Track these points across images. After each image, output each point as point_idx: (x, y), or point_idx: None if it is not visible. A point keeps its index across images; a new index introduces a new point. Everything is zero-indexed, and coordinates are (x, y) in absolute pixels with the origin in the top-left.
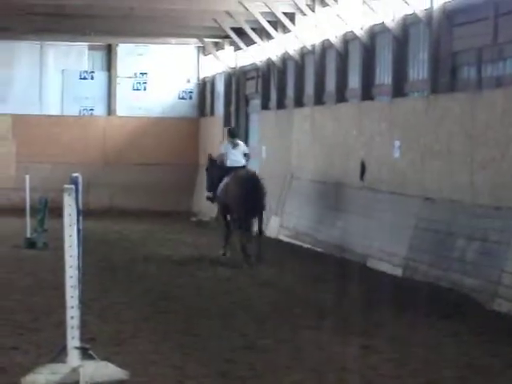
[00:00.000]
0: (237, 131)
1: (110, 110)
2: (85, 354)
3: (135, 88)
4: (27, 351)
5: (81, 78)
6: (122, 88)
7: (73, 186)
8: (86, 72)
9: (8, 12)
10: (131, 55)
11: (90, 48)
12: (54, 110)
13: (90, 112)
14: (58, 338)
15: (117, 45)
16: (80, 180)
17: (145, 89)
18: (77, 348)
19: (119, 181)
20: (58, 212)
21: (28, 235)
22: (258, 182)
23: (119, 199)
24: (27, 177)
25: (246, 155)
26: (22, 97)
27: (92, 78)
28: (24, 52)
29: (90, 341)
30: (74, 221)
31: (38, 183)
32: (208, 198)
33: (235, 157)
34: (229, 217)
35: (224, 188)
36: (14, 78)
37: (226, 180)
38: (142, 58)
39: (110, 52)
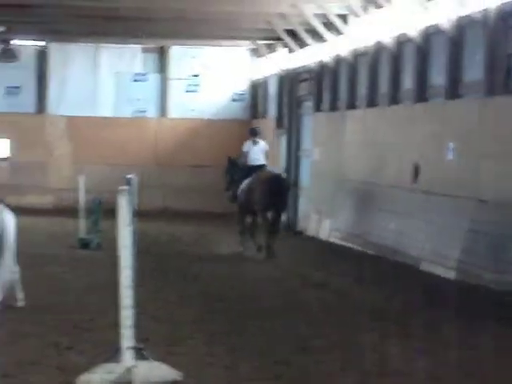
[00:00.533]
0: (258, 130)
1: (163, 111)
2: (139, 354)
3: (188, 90)
4: (82, 351)
5: (134, 80)
6: (175, 90)
7: (127, 188)
8: (139, 74)
9: (64, 15)
10: (184, 57)
11: (144, 50)
12: (107, 111)
13: (142, 114)
14: (113, 338)
15: (170, 47)
16: (135, 181)
17: (197, 91)
18: (131, 348)
19: (172, 182)
20: (111, 213)
21: (82, 236)
22: (283, 182)
23: (172, 201)
24: (82, 178)
25: (266, 153)
26: (76, 99)
27: (145, 80)
28: (78, 54)
29: (143, 341)
30: (129, 222)
31: (91, 184)
32: (230, 198)
33: (255, 155)
34: (248, 216)
35: (246, 188)
36: (69, 80)
37: (248, 180)
38: (195, 60)
39: (162, 54)
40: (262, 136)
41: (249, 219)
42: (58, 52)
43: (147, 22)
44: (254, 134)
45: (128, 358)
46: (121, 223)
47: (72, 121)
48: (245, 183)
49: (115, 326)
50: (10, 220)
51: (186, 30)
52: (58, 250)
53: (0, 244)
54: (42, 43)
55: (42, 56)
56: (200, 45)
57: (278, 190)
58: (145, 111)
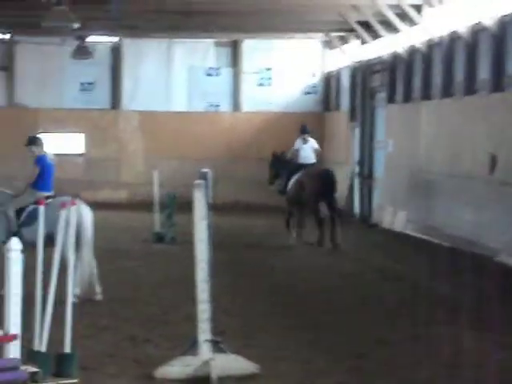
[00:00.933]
0: (308, 128)
1: (236, 105)
2: (215, 347)
3: (260, 83)
4: (158, 344)
5: (207, 75)
6: (248, 84)
7: (203, 181)
8: (212, 68)
9: (138, 11)
10: (256, 51)
11: (216, 44)
12: (180, 106)
13: (215, 108)
14: (188, 331)
15: (242, 41)
16: (210, 175)
17: (270, 84)
18: (208, 341)
19: (244, 176)
20: (185, 207)
21: (157, 230)
22: (332, 176)
23: (244, 194)
24: (155, 172)
25: (315, 151)
26: (149, 94)
27: (218, 75)
28: (152, 49)
29: (219, 334)
30: (204, 215)
31: (165, 178)
32: (280, 192)
33: (306, 153)
34: (296, 209)
35: (297, 183)
36: (142, 75)
37: (298, 176)
38: (267, 54)
39: (235, 48)
40: (314, 134)
41: (297, 212)
42: (132, 48)
43: (220, 16)
44: (304, 131)
45: (205, 350)
46: (196, 217)
47: (145, 116)
48: (294, 178)
49: (189, 319)
50: (88, 215)
51: (258, 23)
52: (132, 244)
53: (78, 239)
54: (116, 39)
55: (115, 52)
56: (272, 38)
57: (328, 184)
58: (218, 105)
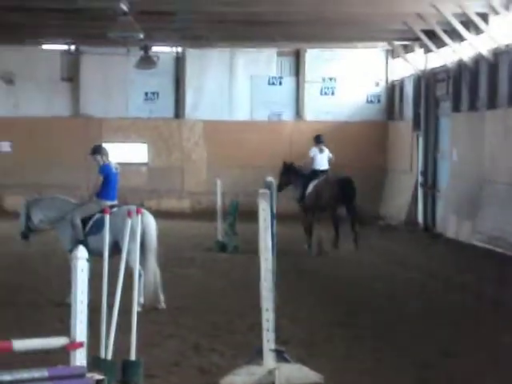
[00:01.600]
0: (322, 138)
1: (298, 114)
2: (280, 356)
3: (323, 93)
4: (223, 352)
5: (269, 84)
6: (310, 93)
7: (267, 191)
8: (275, 77)
9: (202, 21)
10: (319, 60)
11: (279, 54)
12: (243, 115)
13: (278, 117)
14: (252, 340)
15: (305, 50)
16: (274, 184)
17: (333, 93)
18: (273, 350)
19: None
20: (247, 215)
21: (219, 238)
22: (352, 182)
23: None
24: (218, 181)
25: (330, 160)
26: (212, 103)
27: (280, 84)
28: (214, 59)
29: (283, 343)
30: (269, 224)
31: (227, 187)
32: (297, 200)
33: (321, 161)
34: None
35: (316, 188)
36: (205, 84)
37: (317, 182)
38: (330, 63)
39: (298, 57)
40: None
41: (311, 218)
42: (195, 57)
43: (283, 25)
44: (319, 141)
45: (270, 360)
46: (261, 226)
47: (208, 125)
48: (313, 185)
49: (254, 328)
50: (152, 224)
51: (321, 32)
52: (195, 253)
53: (143, 247)
54: (179, 49)
55: (179, 62)
56: (335, 47)
57: (348, 190)
58: (280, 114)
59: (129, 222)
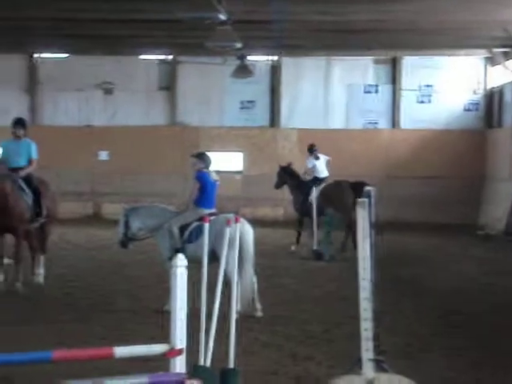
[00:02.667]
0: (315, 146)
1: (394, 122)
2: (379, 366)
3: (420, 101)
4: (320, 362)
5: (365, 92)
6: (407, 101)
7: (366, 200)
8: (371, 86)
9: (298, 29)
10: (416, 68)
11: (375, 62)
12: (338, 123)
13: (373, 125)
14: (349, 350)
15: (402, 58)
16: (373, 193)
17: (429, 101)
18: (372, 360)
19: (402, 193)
20: (343, 224)
21: (315, 247)
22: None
23: (403, 212)
24: (314, 189)
25: (328, 163)
26: (308, 111)
27: (376, 92)
28: (310, 67)
29: (381, 353)
30: (367, 234)
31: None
32: (297, 209)
33: (320, 167)
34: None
35: (325, 193)
36: (301, 92)
37: (324, 187)
38: (427, 71)
39: (394, 65)
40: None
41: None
42: (291, 66)
43: (380, 33)
44: (312, 150)
45: (369, 369)
46: (360, 235)
47: (304, 133)
48: (318, 189)
49: (350, 337)
50: (250, 232)
51: (418, 40)
52: (290, 261)
53: (241, 256)
54: (275, 57)
55: (274, 70)
56: (432, 55)
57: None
58: (376, 122)
59: (227, 230)
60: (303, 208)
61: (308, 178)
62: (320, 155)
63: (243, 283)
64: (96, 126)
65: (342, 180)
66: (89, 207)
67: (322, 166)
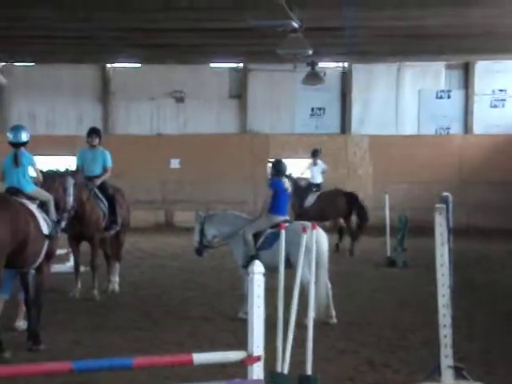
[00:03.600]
0: (318, 152)
1: (467, 128)
2: (458, 373)
3: (493, 105)
4: (398, 369)
5: (437, 98)
6: (479, 106)
7: (444, 205)
8: (443, 91)
9: (369, 36)
10: (489, 72)
11: (447, 67)
12: (410, 129)
13: (446, 131)
14: (426, 356)
15: (475, 62)
16: (450, 199)
17: (503, 106)
18: (451, 367)
19: (476, 199)
20: (415, 231)
21: (388, 254)
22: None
23: (476, 218)
24: (387, 196)
25: (323, 171)
26: (378, 117)
27: (449, 97)
28: (381, 73)
29: (459, 360)
30: (446, 240)
31: (394, 202)
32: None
33: (315, 173)
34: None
35: (321, 201)
36: (372, 99)
37: (317, 196)
38: (501, 75)
39: (467, 70)
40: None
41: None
42: (361, 72)
43: (452, 38)
44: (315, 155)
45: (448, 377)
46: (438, 241)
47: (374, 140)
48: (313, 197)
49: (427, 344)
50: (325, 239)
51: (491, 44)
52: (364, 268)
53: (316, 262)
54: (345, 64)
55: (345, 77)
56: (507, 59)
57: (357, 201)
58: (448, 128)
59: (304, 237)
60: (301, 212)
61: (303, 182)
62: (319, 162)
63: (318, 290)
64: (167, 134)
65: (338, 189)
66: (160, 215)
67: (316, 173)
